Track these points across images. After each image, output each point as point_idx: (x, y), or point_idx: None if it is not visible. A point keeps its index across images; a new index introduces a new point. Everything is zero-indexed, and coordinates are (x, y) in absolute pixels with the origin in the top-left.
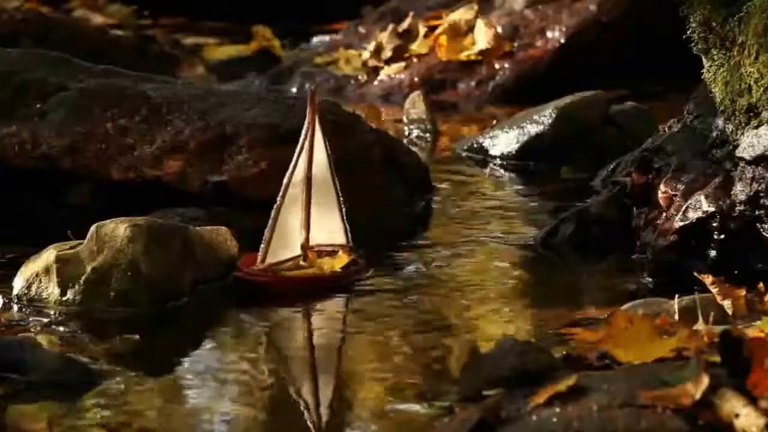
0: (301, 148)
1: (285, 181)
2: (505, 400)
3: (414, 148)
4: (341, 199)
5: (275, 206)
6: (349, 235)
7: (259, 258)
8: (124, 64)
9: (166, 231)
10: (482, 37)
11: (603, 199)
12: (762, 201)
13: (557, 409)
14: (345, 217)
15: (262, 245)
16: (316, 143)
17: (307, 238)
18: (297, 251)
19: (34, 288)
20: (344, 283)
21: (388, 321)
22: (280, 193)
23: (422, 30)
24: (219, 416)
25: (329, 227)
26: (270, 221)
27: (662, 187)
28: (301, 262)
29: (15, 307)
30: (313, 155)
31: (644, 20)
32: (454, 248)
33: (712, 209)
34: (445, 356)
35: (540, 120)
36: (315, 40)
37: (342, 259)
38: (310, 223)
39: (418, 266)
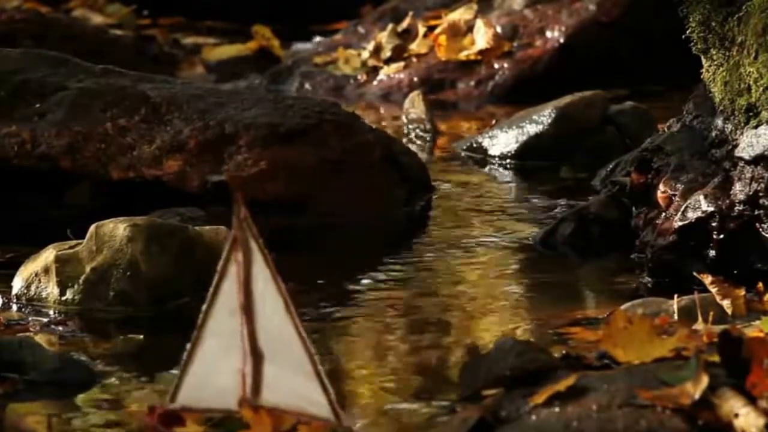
0: (222, 274)
1: (204, 307)
2: (505, 400)
3: (413, 148)
4: (314, 357)
5: (192, 338)
6: (336, 409)
7: (169, 395)
8: (124, 63)
9: (165, 231)
10: (481, 37)
11: (602, 199)
12: (761, 201)
13: (557, 409)
14: (326, 385)
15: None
16: (258, 272)
17: (256, 393)
18: (229, 404)
19: (33, 288)
20: None
21: (387, 320)
22: (198, 324)
23: (421, 30)
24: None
25: (300, 391)
26: (185, 356)
27: (661, 187)
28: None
29: (14, 307)
30: (253, 283)
31: (644, 20)
32: (453, 248)
33: (711, 209)
34: (445, 356)
35: (539, 120)
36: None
37: None
38: (261, 374)
39: (417, 266)
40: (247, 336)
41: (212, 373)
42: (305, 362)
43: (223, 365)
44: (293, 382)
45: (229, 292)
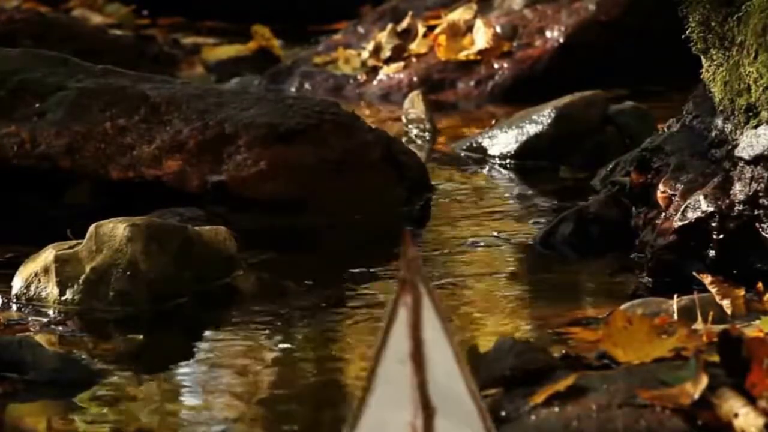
0: (391, 318)
1: (374, 354)
2: (505, 400)
3: (413, 148)
4: (486, 414)
5: (363, 386)
6: None
7: None
8: (123, 63)
9: (165, 231)
10: (481, 37)
11: (602, 199)
12: (761, 201)
13: (556, 409)
14: None
15: None
16: (428, 317)
17: None
18: None
19: (33, 288)
20: None
21: None
22: (368, 371)
23: (421, 30)
24: (218, 416)
25: None
26: (356, 406)
27: (661, 187)
28: None
29: (14, 307)
30: (423, 330)
31: (644, 20)
32: (452, 248)
33: (711, 209)
34: None
35: (539, 120)
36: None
37: None
38: (432, 429)
39: None
40: (418, 387)
41: (383, 426)
42: (476, 420)
43: (394, 417)
44: None
45: (398, 339)
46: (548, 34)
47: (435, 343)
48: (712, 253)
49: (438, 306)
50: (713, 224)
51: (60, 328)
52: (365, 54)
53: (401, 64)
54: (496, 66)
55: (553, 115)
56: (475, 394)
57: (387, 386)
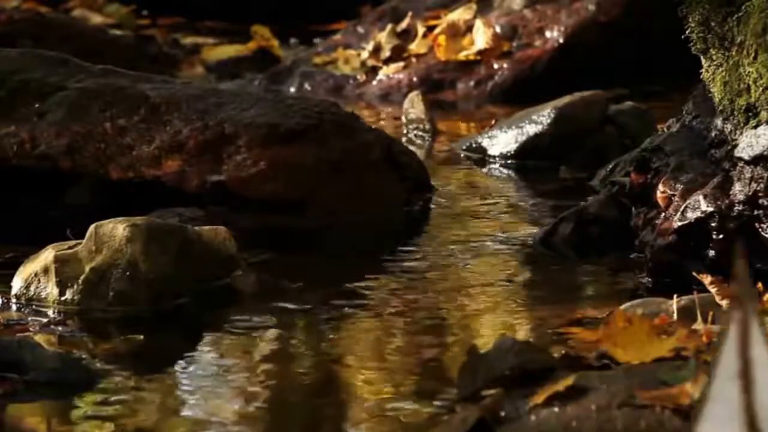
0: (724, 334)
1: (711, 369)
2: (504, 400)
3: (413, 148)
4: None
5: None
6: None
7: None
8: (123, 63)
9: (164, 231)
10: (481, 37)
11: (602, 199)
12: (761, 201)
13: (556, 409)
14: None
15: None
16: (756, 335)
17: None
18: None
19: (32, 288)
20: None
21: (387, 320)
22: (704, 387)
23: (421, 30)
24: (218, 416)
25: None
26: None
27: (661, 187)
28: None
29: (14, 307)
30: (751, 348)
31: (644, 20)
32: (452, 248)
33: (710, 209)
34: (445, 356)
35: (539, 120)
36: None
37: None
38: None
39: (416, 266)
40: (745, 406)
41: None
42: None
43: None
44: None
45: (729, 356)
46: (548, 34)
47: (762, 363)
48: (712, 253)
49: (763, 325)
50: (713, 224)
51: (60, 328)
52: (365, 54)
53: (401, 64)
54: (496, 66)
55: (553, 115)
56: None
57: (717, 404)
